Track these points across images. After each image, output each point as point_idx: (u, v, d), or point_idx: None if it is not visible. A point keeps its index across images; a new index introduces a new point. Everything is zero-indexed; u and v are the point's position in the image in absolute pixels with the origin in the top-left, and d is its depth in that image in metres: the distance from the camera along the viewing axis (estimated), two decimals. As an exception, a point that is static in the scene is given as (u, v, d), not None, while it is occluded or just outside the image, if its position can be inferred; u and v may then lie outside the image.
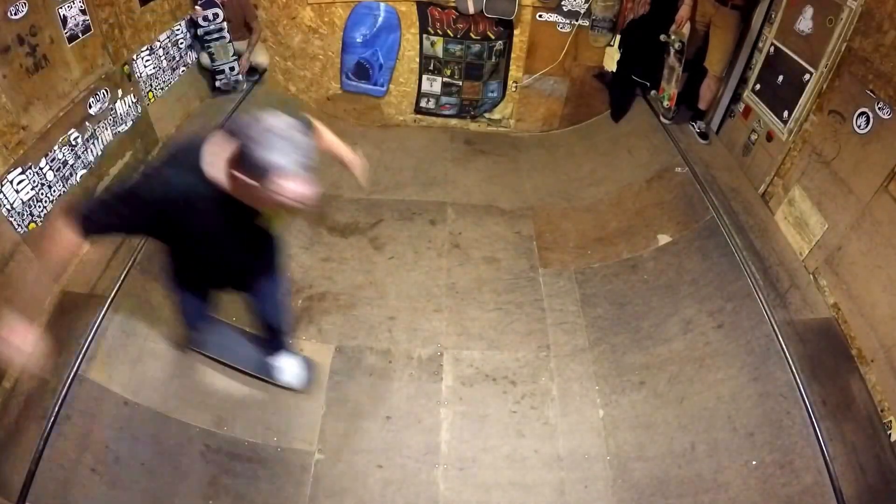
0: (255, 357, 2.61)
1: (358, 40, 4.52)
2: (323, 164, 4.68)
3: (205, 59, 4.16)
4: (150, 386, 2.48)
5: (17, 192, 2.44)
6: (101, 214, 1.55)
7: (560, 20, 4.39)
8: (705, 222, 3.29)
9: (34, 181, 2.55)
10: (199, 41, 4.07)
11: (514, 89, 4.77)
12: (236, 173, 1.42)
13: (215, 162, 1.49)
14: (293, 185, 1.38)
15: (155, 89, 3.64)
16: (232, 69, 4.25)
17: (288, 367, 2.59)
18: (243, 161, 1.38)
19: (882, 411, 2.26)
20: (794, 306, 2.72)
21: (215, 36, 4.06)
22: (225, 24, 4.04)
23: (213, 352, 2.61)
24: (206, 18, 3.96)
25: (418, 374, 2.80)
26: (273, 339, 2.50)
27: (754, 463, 2.25)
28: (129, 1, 3.32)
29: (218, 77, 4.24)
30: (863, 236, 2.55)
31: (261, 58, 4.47)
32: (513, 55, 4.59)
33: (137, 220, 1.56)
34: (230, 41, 4.13)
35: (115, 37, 3.20)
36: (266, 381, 2.67)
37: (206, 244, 1.70)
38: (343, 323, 3.02)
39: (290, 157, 1.35)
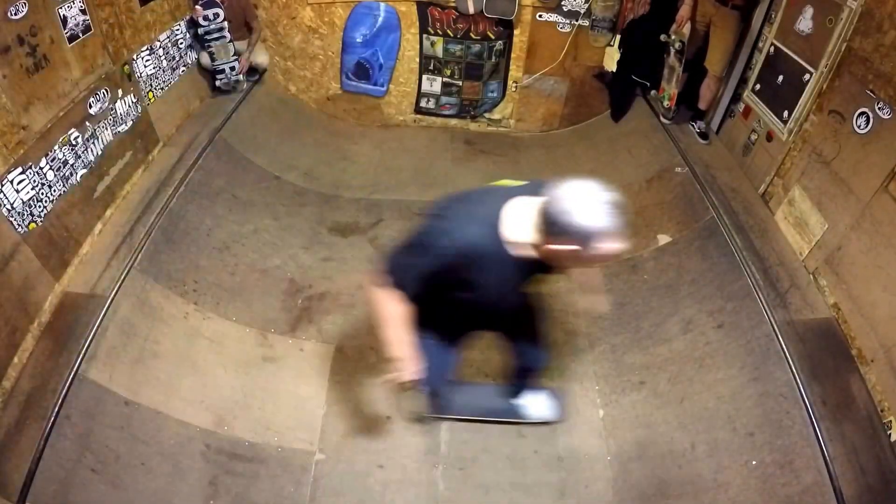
0: (501, 404, 2.55)
1: (358, 40, 4.52)
2: (322, 163, 4.63)
3: (205, 58, 4.16)
4: (150, 386, 2.48)
5: (18, 191, 2.44)
6: (401, 271, 1.60)
7: (560, 20, 4.39)
8: (705, 222, 3.29)
9: (34, 181, 2.55)
10: (200, 41, 4.08)
11: (514, 89, 4.77)
12: (553, 241, 1.41)
13: (519, 227, 1.48)
14: (613, 245, 1.38)
15: (155, 89, 3.64)
16: (232, 69, 4.25)
17: (536, 403, 2.53)
18: (557, 227, 1.38)
19: (882, 411, 2.26)
20: (794, 306, 2.72)
21: (216, 36, 4.06)
22: (225, 23, 4.04)
23: (458, 412, 2.53)
24: (206, 18, 3.96)
25: (418, 374, 2.79)
26: (521, 381, 2.43)
27: (754, 463, 2.25)
28: (129, 1, 3.32)
29: (218, 77, 4.25)
30: (863, 236, 2.55)
31: (261, 58, 4.47)
32: (513, 55, 4.59)
33: (428, 272, 1.58)
34: (230, 41, 4.13)
35: (115, 37, 3.20)
36: (269, 382, 2.67)
37: (482, 296, 1.70)
38: (343, 323, 3.02)
39: (607, 218, 1.34)
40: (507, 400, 2.54)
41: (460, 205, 1.57)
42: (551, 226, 1.39)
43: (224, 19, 4.02)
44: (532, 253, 1.50)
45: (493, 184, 1.66)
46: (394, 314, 1.67)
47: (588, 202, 1.35)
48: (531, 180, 1.61)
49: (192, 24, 4.02)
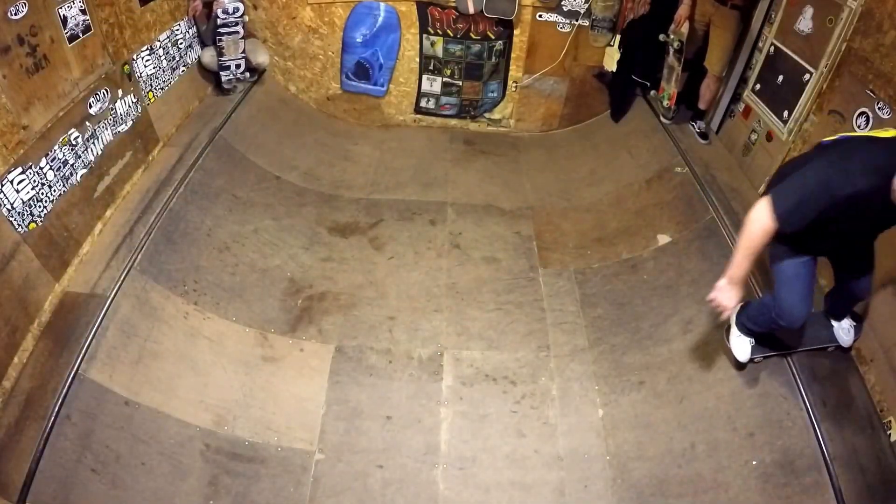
0: (822, 330, 2.49)
1: (358, 40, 4.52)
2: (322, 163, 4.64)
3: (207, 57, 4.16)
4: (150, 386, 2.48)
5: (18, 191, 2.44)
6: (796, 210, 1.76)
7: (560, 20, 4.39)
8: (705, 222, 3.29)
9: (34, 181, 2.55)
10: (211, 35, 4.09)
11: (514, 89, 4.77)
12: None
13: None
14: None
15: (155, 89, 3.64)
16: (238, 66, 4.25)
17: (846, 329, 2.45)
18: None
19: (882, 411, 2.26)
20: (794, 306, 2.71)
21: (232, 30, 4.07)
22: (245, 18, 4.06)
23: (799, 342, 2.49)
24: (225, 11, 3.98)
25: (418, 374, 2.80)
26: (845, 307, 2.41)
27: (754, 463, 2.25)
28: (129, 1, 3.32)
29: (223, 74, 4.24)
30: (863, 236, 2.55)
31: (261, 58, 4.46)
32: (513, 55, 4.59)
33: (818, 212, 1.74)
34: (242, 37, 4.14)
35: (115, 37, 3.20)
36: (269, 382, 2.67)
37: (850, 230, 1.92)
38: (343, 323, 3.02)
39: None
40: (825, 324, 2.48)
41: (864, 152, 1.72)
42: None
43: (243, 14, 4.03)
44: None
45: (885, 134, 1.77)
46: (756, 244, 1.88)
47: None
48: None
49: (196, 20, 4.02)
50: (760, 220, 1.83)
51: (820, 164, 1.78)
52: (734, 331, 2.45)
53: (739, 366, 2.49)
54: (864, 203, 1.71)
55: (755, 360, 2.46)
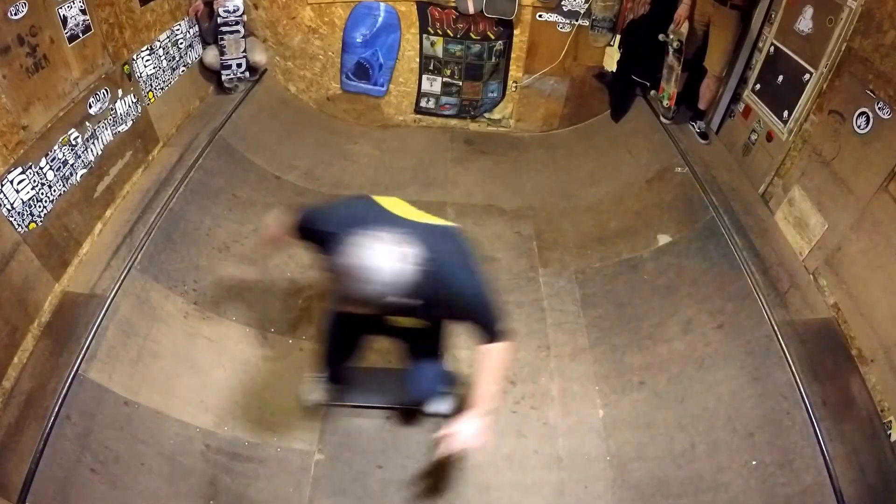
0: (401, 390, 2.48)
1: (358, 40, 4.52)
2: (322, 163, 4.63)
3: (209, 56, 4.16)
4: (150, 386, 2.48)
5: (18, 191, 2.44)
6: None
7: (560, 20, 4.38)
8: (705, 222, 3.29)
9: (34, 181, 2.55)
10: (213, 34, 4.08)
11: (514, 89, 4.77)
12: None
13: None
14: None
15: (155, 89, 3.64)
16: (239, 65, 4.25)
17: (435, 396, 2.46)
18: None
19: (882, 411, 2.26)
20: (794, 306, 2.72)
21: (233, 29, 4.07)
22: (244, 17, 4.05)
23: (357, 399, 2.55)
24: (226, 10, 3.98)
25: (418, 374, 2.79)
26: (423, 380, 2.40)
27: (754, 463, 2.25)
28: (129, 1, 3.32)
29: (224, 73, 4.24)
30: (863, 236, 2.55)
31: (258, 57, 4.46)
32: (513, 55, 4.59)
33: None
34: (243, 36, 4.14)
35: (115, 37, 3.20)
36: (269, 382, 2.67)
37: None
38: (343, 323, 3.02)
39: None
40: (408, 387, 2.42)
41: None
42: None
43: (243, 13, 4.02)
44: None
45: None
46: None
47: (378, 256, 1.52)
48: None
49: (198, 19, 4.02)
50: (506, 349, 1.84)
51: (473, 278, 1.78)
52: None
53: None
54: None
55: None
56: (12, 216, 2.41)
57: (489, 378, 1.84)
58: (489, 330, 1.78)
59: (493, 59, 4.58)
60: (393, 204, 1.93)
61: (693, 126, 4.10)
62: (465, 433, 1.82)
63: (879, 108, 2.53)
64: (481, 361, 1.82)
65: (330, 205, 1.98)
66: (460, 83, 4.73)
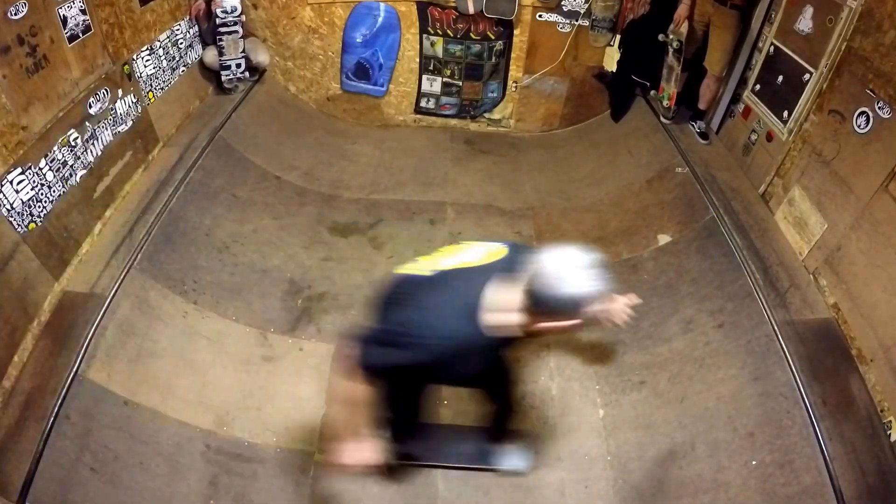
0: (473, 449, 2.45)
1: (358, 40, 4.52)
2: (322, 163, 4.63)
3: (209, 56, 4.16)
4: (150, 386, 2.48)
5: (17, 192, 2.44)
6: (374, 363, 1.52)
7: (560, 20, 4.39)
8: (705, 222, 3.29)
9: (34, 181, 2.55)
10: (211, 35, 4.08)
11: (514, 89, 4.77)
12: (543, 319, 1.41)
13: (502, 312, 1.44)
14: (602, 305, 1.40)
15: (155, 89, 3.64)
16: (238, 66, 4.25)
17: (507, 452, 2.42)
18: (546, 306, 1.37)
19: (882, 411, 2.26)
20: (794, 306, 2.72)
21: (231, 29, 4.07)
22: (242, 17, 4.05)
23: (427, 457, 2.45)
24: (224, 11, 3.98)
25: (418, 374, 2.79)
26: (495, 431, 2.39)
27: (754, 463, 2.25)
28: (129, 1, 3.32)
29: (223, 74, 4.24)
30: (863, 236, 2.55)
31: (261, 57, 4.47)
32: (513, 55, 4.59)
33: (405, 363, 1.51)
34: (242, 36, 4.14)
35: (115, 37, 3.20)
36: (268, 382, 2.67)
37: (454, 372, 1.69)
38: (343, 323, 3.01)
39: (593, 283, 1.34)
40: (479, 445, 2.43)
41: (436, 294, 1.52)
42: (540, 306, 1.38)
43: (241, 13, 4.03)
44: (518, 333, 1.48)
45: (464, 264, 1.58)
46: (350, 395, 1.59)
47: (572, 273, 1.34)
48: (507, 248, 1.58)
49: (207, 16, 4.03)
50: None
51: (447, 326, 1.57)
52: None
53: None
54: None
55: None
56: (12, 216, 2.41)
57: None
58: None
59: (493, 59, 4.58)
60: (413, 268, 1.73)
61: (693, 126, 4.10)
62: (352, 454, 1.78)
63: (879, 108, 2.53)
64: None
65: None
66: (460, 83, 4.73)
